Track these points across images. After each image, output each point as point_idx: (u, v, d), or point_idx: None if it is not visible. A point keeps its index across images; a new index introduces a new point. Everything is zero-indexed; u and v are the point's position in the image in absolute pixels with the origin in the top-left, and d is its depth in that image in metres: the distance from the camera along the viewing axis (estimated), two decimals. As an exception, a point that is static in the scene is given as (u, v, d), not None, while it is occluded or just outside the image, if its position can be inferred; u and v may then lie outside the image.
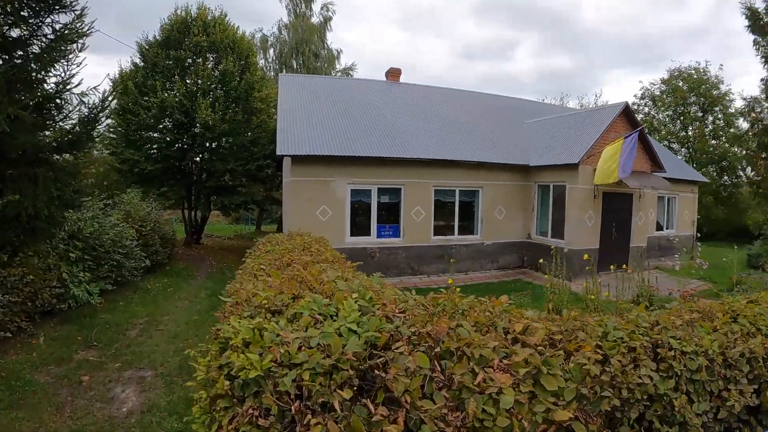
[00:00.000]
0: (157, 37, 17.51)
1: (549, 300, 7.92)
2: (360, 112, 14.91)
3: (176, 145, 17.69)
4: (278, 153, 11.57)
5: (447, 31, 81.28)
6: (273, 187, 22.18)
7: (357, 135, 13.32)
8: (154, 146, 17.60)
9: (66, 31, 5.50)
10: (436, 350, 2.04)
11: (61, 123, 5.89)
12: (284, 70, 28.50)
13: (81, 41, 5.68)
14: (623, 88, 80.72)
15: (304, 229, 12.05)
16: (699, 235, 21.51)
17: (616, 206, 15.03)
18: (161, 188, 17.95)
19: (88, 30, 5.83)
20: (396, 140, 13.65)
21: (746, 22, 18.92)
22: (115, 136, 17.59)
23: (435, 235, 13.93)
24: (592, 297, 8.91)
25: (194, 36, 17.15)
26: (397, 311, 2.27)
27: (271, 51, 30.65)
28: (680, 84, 31.65)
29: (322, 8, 31.75)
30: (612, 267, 12.89)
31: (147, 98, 16.27)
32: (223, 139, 17.71)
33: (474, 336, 2.12)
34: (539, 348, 2.18)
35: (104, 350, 6.65)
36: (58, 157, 6.12)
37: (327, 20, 31.55)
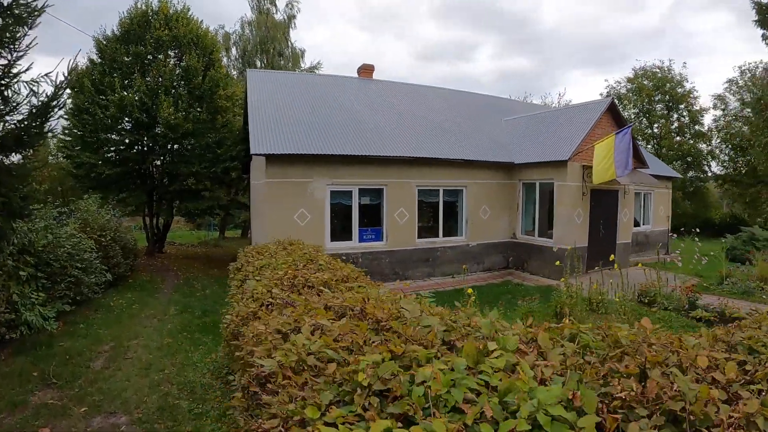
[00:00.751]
0: (116, 32, 16.33)
1: (562, 303, 7.40)
2: (335, 110, 14.15)
3: (136, 147, 16.56)
4: (252, 152, 10.71)
5: (407, 32, 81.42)
6: (239, 191, 21.18)
7: (335, 133, 12.57)
8: (113, 149, 16.39)
9: (14, 6, 4.58)
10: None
11: (8, 117, 4.94)
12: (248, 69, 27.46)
13: (32, 19, 4.76)
14: (587, 87, 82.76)
15: (281, 235, 11.26)
16: (674, 234, 21.69)
17: (603, 203, 14.83)
18: (120, 194, 16.71)
19: (43, 5, 4.91)
20: (376, 138, 12.98)
21: (755, 17, 19.92)
22: (70, 138, 16.28)
23: (419, 237, 13.34)
24: (598, 297, 8.53)
25: (155, 30, 16.07)
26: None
27: (234, 50, 29.50)
28: (645, 83, 32.15)
29: (286, 5, 30.85)
30: (597, 265, 12.68)
31: (104, 96, 15.11)
32: (187, 140, 16.65)
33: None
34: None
35: (66, 389, 5.65)
36: (3, 157, 5.16)
37: (291, 18, 30.62)
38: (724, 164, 31.94)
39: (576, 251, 13.92)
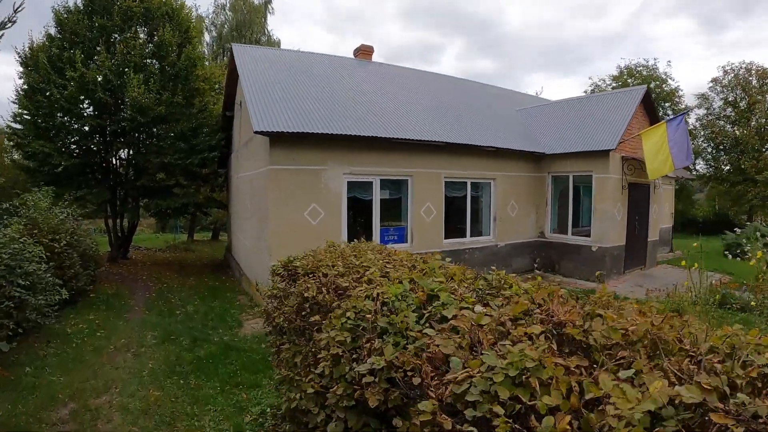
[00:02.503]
0: (79, 4, 13.41)
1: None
2: (344, 90, 11.69)
3: (98, 137, 13.67)
4: (255, 130, 8.13)
5: (373, 33, 79.58)
6: (215, 188, 18.29)
7: (349, 114, 10.16)
8: (71, 136, 13.48)
9: None
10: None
11: None
12: (225, 55, 24.64)
13: None
14: (552, 91, 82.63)
15: (288, 237, 8.80)
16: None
17: (636, 198, 12.98)
18: (79, 190, 13.78)
19: None
20: (395, 122, 10.62)
21: None
22: (21, 126, 13.23)
23: (446, 237, 11.08)
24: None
25: (124, 0, 13.25)
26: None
27: (207, 35, 26.56)
28: (630, 81, 31.03)
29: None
30: (634, 265, 10.86)
31: (62, 75, 12.26)
32: (158, 126, 13.87)
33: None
34: None
35: None
36: None
37: (268, 2, 27.80)
38: (708, 162, 31.22)
39: (614, 250, 12.08)
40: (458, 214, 11.72)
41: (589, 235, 12.58)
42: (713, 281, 9.50)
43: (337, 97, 10.85)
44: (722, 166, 30.72)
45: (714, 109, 30.40)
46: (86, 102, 13.11)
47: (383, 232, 10.04)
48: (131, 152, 14.47)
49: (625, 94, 13.43)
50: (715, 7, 63.13)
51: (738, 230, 19.11)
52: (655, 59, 32.35)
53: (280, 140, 8.55)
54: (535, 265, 13.22)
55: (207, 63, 23.14)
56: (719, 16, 62.49)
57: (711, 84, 30.26)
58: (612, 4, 77.86)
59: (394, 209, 10.52)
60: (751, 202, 27.23)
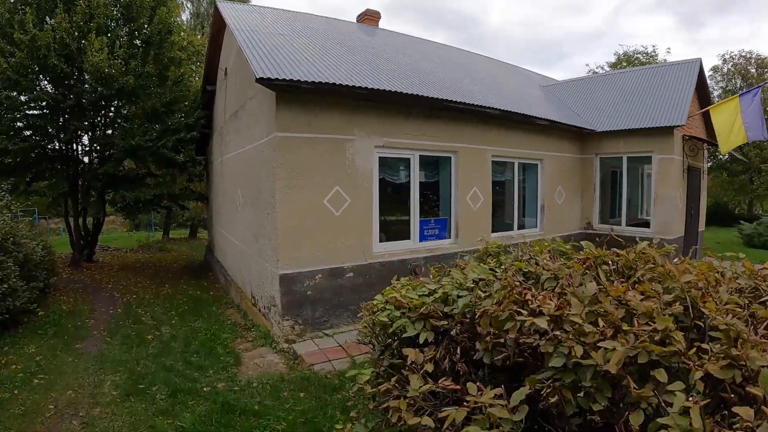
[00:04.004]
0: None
1: None
2: (362, 51, 9.19)
3: (54, 114, 10.91)
4: (258, 77, 5.53)
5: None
6: (194, 177, 15.46)
7: (375, 71, 7.68)
8: (20, 115, 10.67)
9: None
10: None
11: None
12: (204, 31, 21.86)
13: None
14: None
15: (303, 231, 6.35)
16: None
17: (692, 183, 10.95)
18: (32, 182, 10.99)
19: None
20: (432, 83, 8.20)
21: None
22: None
23: (492, 231, 8.75)
24: None
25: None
26: None
27: (186, 14, 23.65)
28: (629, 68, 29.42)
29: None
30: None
31: (12, 40, 9.54)
32: (126, 99, 11.18)
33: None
34: None
35: None
36: None
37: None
38: (709, 151, 29.79)
39: (677, 242, 10.00)
40: (503, 202, 9.43)
41: (642, 226, 10.53)
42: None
43: (359, 56, 8.37)
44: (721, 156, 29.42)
45: (714, 98, 29.00)
46: (39, 72, 10.36)
47: (422, 224, 7.63)
48: (93, 134, 11.72)
49: (681, 66, 11.40)
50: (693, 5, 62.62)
51: (754, 222, 18.06)
52: (653, 46, 30.79)
53: (290, 95, 6.03)
54: (581, 263, 11.05)
55: (184, 35, 20.29)
56: (698, 15, 62.02)
57: (711, 72, 28.91)
58: (592, 3, 77.08)
59: (432, 195, 8.12)
60: (756, 192, 25.94)
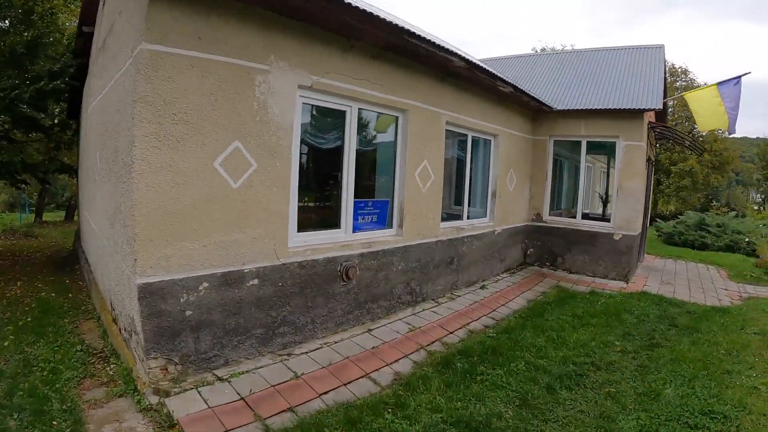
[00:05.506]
0: None
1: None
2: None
3: None
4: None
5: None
6: (62, 145, 11.90)
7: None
8: None
9: None
10: None
11: None
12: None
13: None
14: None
15: (180, 213, 3.93)
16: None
17: (649, 175, 9.91)
18: None
19: None
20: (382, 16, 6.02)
21: None
22: None
23: (443, 220, 6.79)
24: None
25: None
26: None
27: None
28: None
29: None
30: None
31: None
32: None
33: None
34: None
35: None
36: None
37: None
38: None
39: (636, 240, 8.87)
40: (451, 185, 7.53)
41: (599, 220, 9.27)
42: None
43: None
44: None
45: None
46: None
47: (356, 207, 5.44)
48: None
49: (646, 51, 10.32)
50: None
51: (673, 221, 18.12)
52: (572, 44, 30.72)
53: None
54: (526, 258, 9.53)
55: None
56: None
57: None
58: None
59: (365, 172, 5.95)
60: (663, 192, 26.78)
